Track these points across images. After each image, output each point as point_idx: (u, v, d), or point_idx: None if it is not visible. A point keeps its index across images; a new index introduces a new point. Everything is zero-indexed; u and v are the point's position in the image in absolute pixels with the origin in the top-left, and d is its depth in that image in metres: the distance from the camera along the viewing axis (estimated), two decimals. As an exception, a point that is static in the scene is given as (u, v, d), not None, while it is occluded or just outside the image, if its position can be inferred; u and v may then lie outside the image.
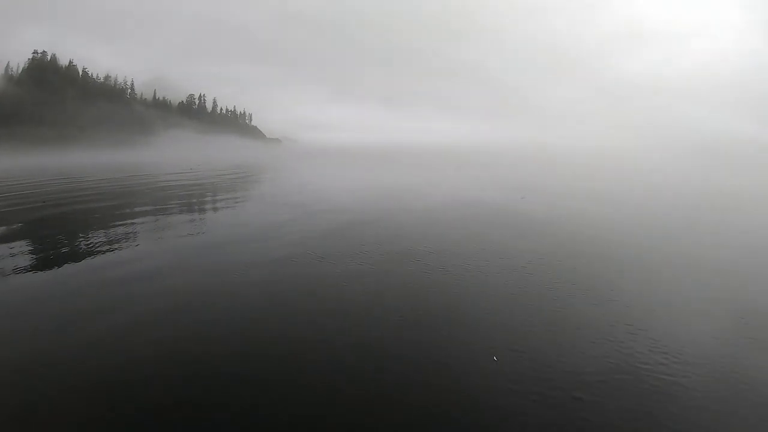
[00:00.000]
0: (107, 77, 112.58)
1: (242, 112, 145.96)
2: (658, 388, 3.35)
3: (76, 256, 7.63)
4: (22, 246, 8.40)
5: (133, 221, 10.80)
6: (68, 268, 6.84)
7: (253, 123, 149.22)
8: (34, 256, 7.74)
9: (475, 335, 4.24)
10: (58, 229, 10.20)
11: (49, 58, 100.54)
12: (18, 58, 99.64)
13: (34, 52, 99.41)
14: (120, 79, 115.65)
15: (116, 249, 7.94)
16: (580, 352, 3.80)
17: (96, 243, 8.46)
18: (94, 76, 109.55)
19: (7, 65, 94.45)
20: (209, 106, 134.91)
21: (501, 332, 4.21)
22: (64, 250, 8.24)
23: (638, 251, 7.63)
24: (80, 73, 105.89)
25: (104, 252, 7.72)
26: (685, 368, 3.63)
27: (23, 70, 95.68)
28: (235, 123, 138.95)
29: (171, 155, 66.86)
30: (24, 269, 6.77)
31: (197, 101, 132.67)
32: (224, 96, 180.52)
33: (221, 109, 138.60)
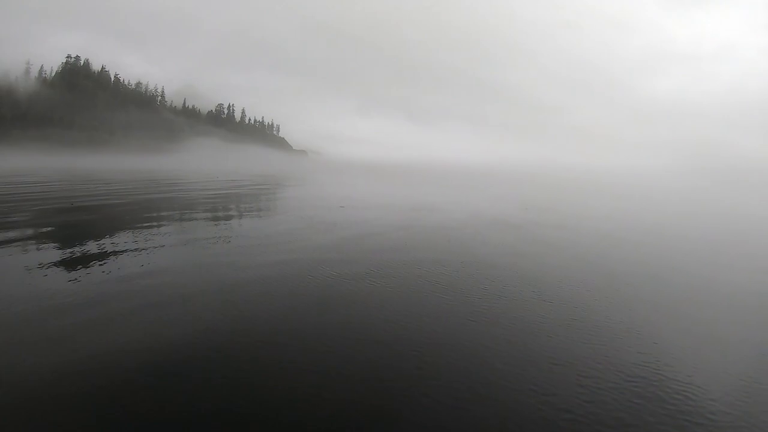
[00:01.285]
0: (138, 84, 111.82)
1: (270, 123, 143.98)
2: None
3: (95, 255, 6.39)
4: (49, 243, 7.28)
5: (158, 227, 9.14)
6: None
7: (280, 134, 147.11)
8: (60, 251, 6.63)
9: (488, 367, 3.51)
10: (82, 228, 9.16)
11: (82, 62, 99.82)
12: (51, 61, 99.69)
13: (67, 57, 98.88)
14: (151, 86, 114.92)
15: (137, 252, 6.63)
16: (605, 391, 3.24)
17: (118, 243, 7.19)
18: (126, 82, 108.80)
19: (41, 68, 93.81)
20: (237, 115, 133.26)
21: (517, 368, 3.50)
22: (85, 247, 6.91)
23: (671, 279, 6.49)
24: (112, 79, 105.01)
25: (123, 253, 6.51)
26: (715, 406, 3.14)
27: (56, 73, 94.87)
28: (262, 133, 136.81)
29: (198, 163, 64.85)
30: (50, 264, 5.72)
31: (226, 110, 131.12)
32: (252, 106, 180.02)
33: (249, 119, 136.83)
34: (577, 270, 6.55)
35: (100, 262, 5.86)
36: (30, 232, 8.09)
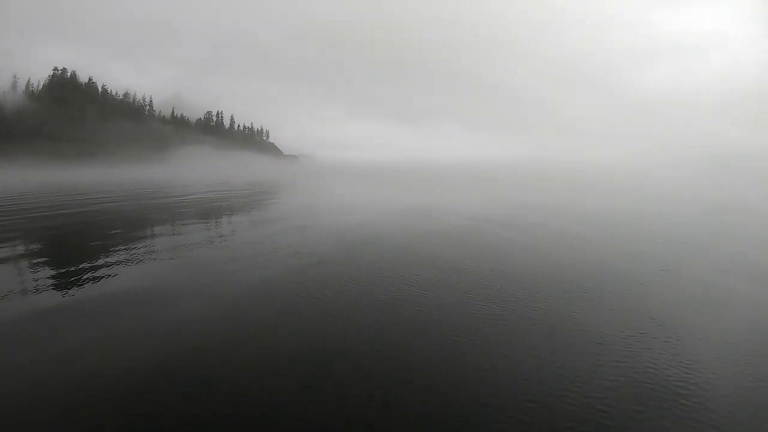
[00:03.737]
0: (126, 94, 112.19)
1: (259, 129, 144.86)
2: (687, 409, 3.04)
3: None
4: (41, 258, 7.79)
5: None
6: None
7: (270, 140, 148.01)
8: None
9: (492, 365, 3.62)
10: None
11: (68, 75, 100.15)
12: (38, 74, 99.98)
13: (54, 69, 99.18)
14: (138, 97, 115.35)
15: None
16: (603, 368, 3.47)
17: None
18: (113, 93, 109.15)
19: (28, 82, 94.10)
20: (227, 123, 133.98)
21: (526, 366, 3.56)
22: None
23: (661, 265, 7.00)
24: (99, 91, 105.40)
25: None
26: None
27: (43, 86, 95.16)
28: (252, 140, 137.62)
29: (188, 172, 65.19)
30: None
31: (215, 118, 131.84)
32: (241, 113, 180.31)
33: (238, 126, 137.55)
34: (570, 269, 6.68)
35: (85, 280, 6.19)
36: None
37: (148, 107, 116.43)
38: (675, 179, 39.04)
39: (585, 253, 7.94)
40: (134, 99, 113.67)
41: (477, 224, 11.35)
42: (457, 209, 15.32)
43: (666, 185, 30.92)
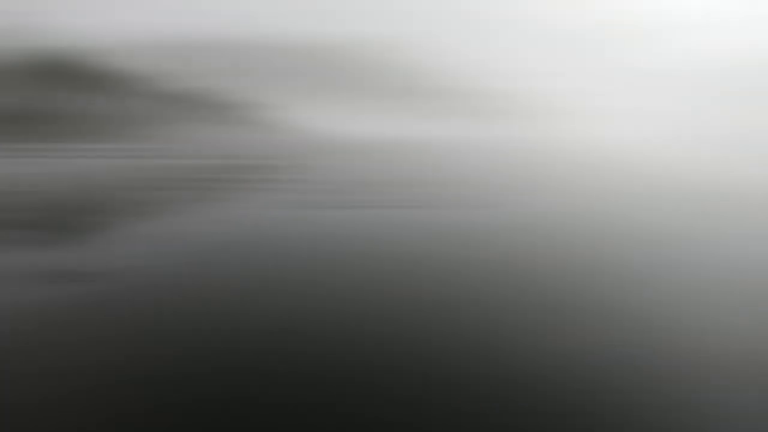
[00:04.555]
0: (112, 70, 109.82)
1: (248, 103, 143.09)
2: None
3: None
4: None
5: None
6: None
7: (261, 113, 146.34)
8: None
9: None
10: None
11: (51, 52, 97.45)
12: (20, 52, 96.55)
13: (36, 47, 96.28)
14: (125, 71, 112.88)
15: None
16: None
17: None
18: (98, 68, 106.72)
19: (8, 60, 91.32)
20: (216, 97, 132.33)
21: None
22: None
23: (658, 247, 7.05)
24: (83, 66, 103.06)
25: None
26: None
27: (17, 64, 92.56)
28: (240, 113, 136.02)
29: (174, 147, 64.22)
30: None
31: (201, 93, 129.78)
32: (231, 86, 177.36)
33: (228, 100, 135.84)
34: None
35: None
36: None
37: (133, 82, 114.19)
38: (677, 159, 38.42)
39: (584, 243, 7.75)
40: (119, 74, 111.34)
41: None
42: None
43: (668, 166, 30.50)
